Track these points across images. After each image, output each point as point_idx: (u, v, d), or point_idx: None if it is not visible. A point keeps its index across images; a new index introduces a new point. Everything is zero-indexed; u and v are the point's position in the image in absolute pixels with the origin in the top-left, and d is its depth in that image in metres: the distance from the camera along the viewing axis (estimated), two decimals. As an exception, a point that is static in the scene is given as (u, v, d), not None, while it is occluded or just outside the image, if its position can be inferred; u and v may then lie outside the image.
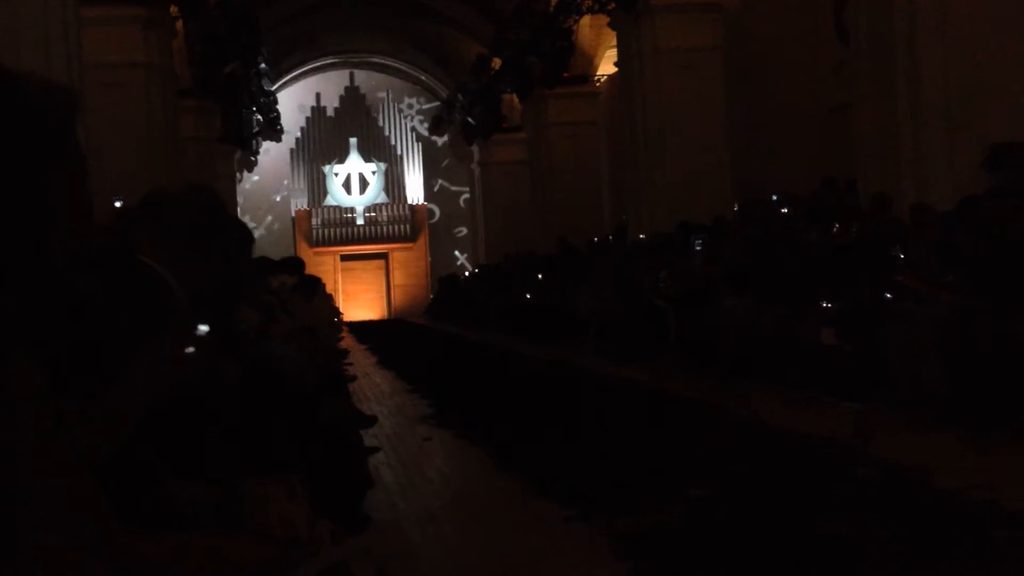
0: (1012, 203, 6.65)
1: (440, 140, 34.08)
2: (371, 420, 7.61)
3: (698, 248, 11.64)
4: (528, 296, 18.47)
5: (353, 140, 34.64)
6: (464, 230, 34.87)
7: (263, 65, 23.02)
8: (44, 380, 1.43)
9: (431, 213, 35.67)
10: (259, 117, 25.69)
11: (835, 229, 9.45)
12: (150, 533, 1.58)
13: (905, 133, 9.72)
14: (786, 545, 4.17)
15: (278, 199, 34.83)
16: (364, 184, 34.78)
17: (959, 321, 6.66)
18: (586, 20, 19.70)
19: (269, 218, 34.82)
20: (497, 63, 23.81)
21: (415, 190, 35.10)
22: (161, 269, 2.37)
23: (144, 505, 1.68)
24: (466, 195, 34.15)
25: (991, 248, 6.74)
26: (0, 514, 0.91)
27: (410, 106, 35.77)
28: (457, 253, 35.41)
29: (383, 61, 34.32)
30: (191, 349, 2.05)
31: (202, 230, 2.39)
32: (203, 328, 2.09)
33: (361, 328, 24.56)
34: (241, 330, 3.03)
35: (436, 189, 35.87)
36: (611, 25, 17.56)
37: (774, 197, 11.96)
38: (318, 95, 35.05)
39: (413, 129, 35.44)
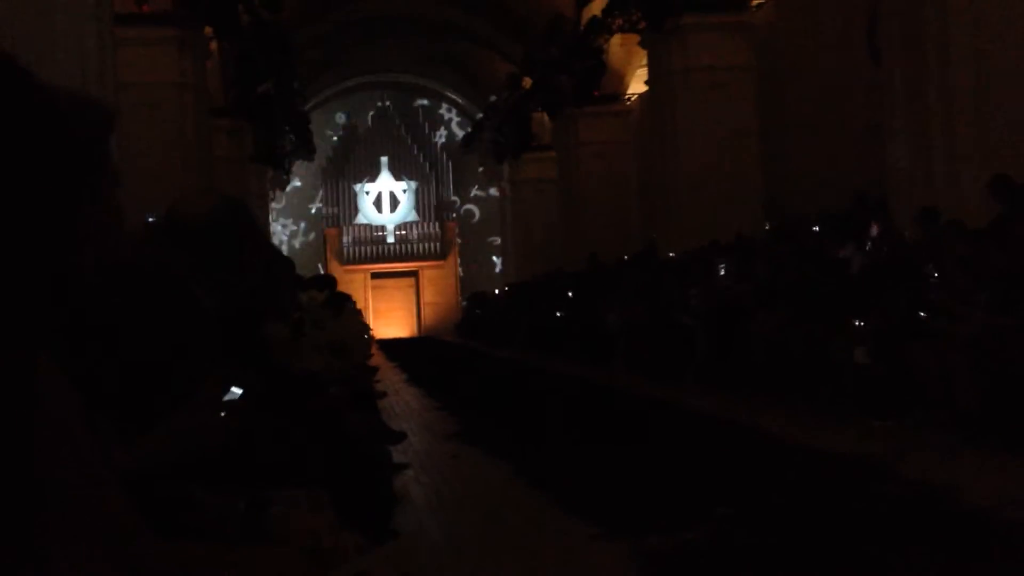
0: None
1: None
2: (400, 436, 7.63)
3: (722, 274, 11.58)
4: (558, 314, 18.45)
5: (384, 159, 34.86)
6: (498, 239, 34.83)
7: (296, 85, 23.22)
8: (75, 389, 1.45)
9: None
10: (292, 136, 25.91)
11: (868, 247, 9.40)
12: (174, 542, 1.59)
13: (937, 152, 9.66)
14: (815, 564, 4.14)
15: (312, 210, 35.17)
16: (395, 202, 34.98)
17: (991, 340, 6.59)
18: (617, 39, 19.73)
19: (304, 224, 35.13)
20: (527, 82, 23.88)
21: (446, 208, 35.24)
22: (190, 283, 2.40)
23: (169, 514, 1.70)
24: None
25: (1021, 266, 6.68)
26: (20, 517, 0.93)
27: (448, 108, 35.84)
28: (495, 259, 35.34)
29: (414, 81, 34.54)
30: (223, 413, 2.04)
31: (229, 242, 2.42)
32: (236, 391, 2.08)
33: (391, 346, 24.63)
34: (269, 343, 3.06)
35: (472, 194, 35.97)
36: (642, 44, 17.58)
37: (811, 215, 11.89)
38: (349, 114, 35.35)
39: (447, 137, 35.48)
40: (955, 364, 6.91)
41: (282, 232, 34.64)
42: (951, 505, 4.97)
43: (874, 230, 9.78)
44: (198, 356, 2.07)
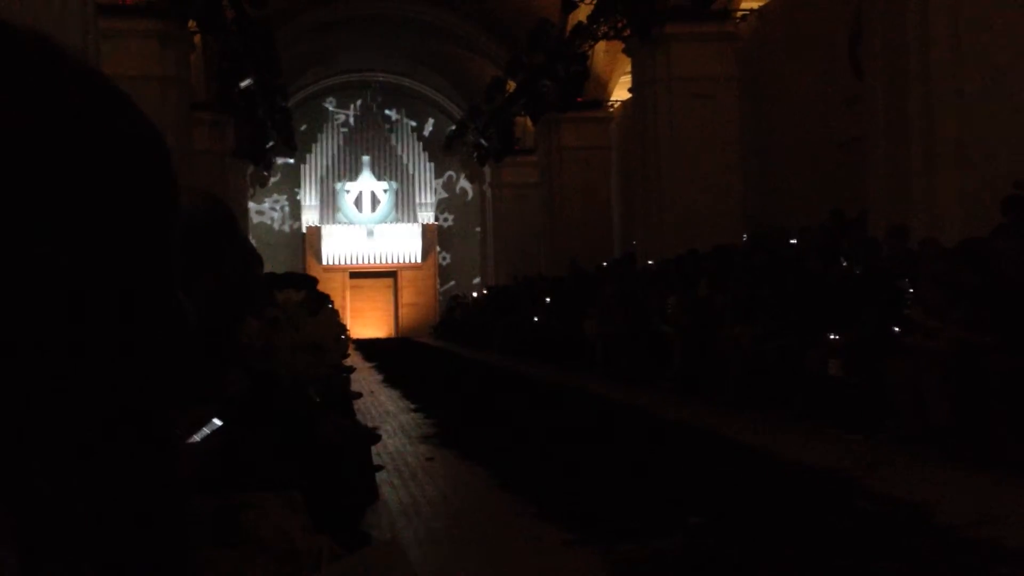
0: (1015, 243, 6.65)
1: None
2: (374, 438, 7.59)
3: (700, 284, 11.62)
4: (535, 319, 18.46)
5: (366, 158, 34.77)
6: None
7: (278, 81, 23.13)
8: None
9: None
10: (273, 132, 25.82)
11: (843, 262, 9.45)
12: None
13: (916, 168, 9.73)
14: (785, 576, 4.16)
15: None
16: (375, 202, 34.89)
17: (965, 356, 6.65)
18: (601, 45, 19.78)
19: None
20: (511, 86, 23.90)
21: (427, 210, 35.14)
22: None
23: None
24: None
25: (995, 285, 6.74)
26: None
27: (433, 109, 35.50)
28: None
29: (398, 81, 34.48)
30: (200, 438, 2.02)
31: (211, 244, 2.40)
32: (216, 422, 2.06)
33: (368, 346, 24.57)
34: (245, 344, 3.04)
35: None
36: (626, 52, 17.63)
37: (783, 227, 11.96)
38: (332, 113, 35.24)
39: (430, 138, 35.27)
40: (928, 379, 6.96)
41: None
42: (921, 520, 5.00)
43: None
44: (179, 359, 2.06)
